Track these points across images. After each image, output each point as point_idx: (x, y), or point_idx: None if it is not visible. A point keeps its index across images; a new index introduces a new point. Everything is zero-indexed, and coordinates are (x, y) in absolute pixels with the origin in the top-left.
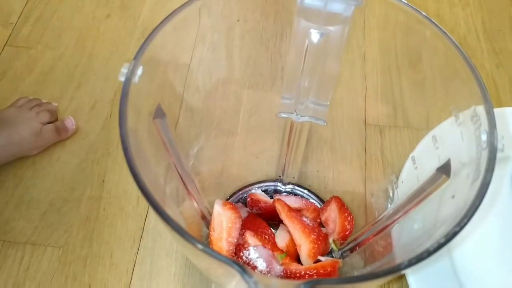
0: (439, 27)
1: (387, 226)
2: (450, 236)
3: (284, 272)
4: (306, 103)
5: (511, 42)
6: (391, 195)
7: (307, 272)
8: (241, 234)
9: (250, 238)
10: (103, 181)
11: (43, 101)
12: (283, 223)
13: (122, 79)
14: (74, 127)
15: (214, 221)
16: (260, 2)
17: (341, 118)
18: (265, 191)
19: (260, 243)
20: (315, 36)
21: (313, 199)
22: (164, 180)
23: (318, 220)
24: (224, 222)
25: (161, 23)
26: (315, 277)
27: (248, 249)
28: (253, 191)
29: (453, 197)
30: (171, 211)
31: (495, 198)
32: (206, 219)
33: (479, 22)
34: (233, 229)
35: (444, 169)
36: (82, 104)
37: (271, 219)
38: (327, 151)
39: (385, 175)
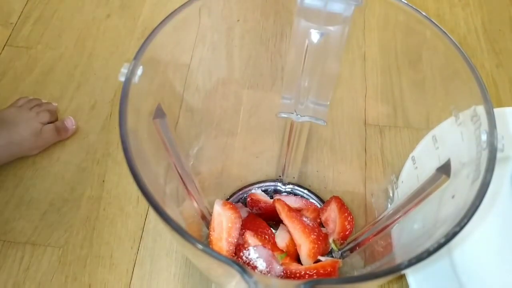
0: (439, 27)
1: (387, 226)
2: (450, 236)
3: (284, 272)
4: (306, 103)
5: (511, 42)
6: (391, 195)
7: (307, 272)
8: (241, 234)
9: (250, 238)
10: (103, 181)
11: (43, 101)
12: (283, 223)
13: (122, 79)
14: (74, 127)
15: (214, 221)
16: (260, 2)
17: (341, 118)
18: (265, 191)
19: (260, 243)
20: (315, 36)
21: (313, 199)
22: (164, 180)
23: (318, 220)
24: (224, 222)
25: (161, 23)
26: (315, 277)
27: (248, 249)
28: (253, 191)
29: (453, 197)
30: (171, 211)
31: (495, 198)
32: (206, 219)
33: (479, 22)
34: (233, 229)
35: (444, 169)
36: (82, 104)
37: (271, 219)
38: (327, 151)
39: (385, 175)
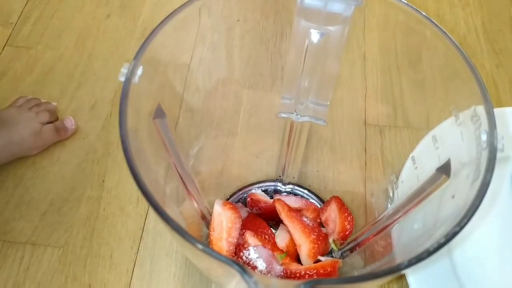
0: (439, 27)
1: (387, 226)
2: (450, 236)
3: (284, 272)
4: (306, 103)
5: (511, 42)
6: (391, 195)
7: (307, 272)
8: (241, 234)
9: (250, 238)
10: (103, 181)
11: (42, 100)
12: (283, 223)
13: (122, 79)
14: (73, 127)
15: (214, 221)
16: (260, 2)
17: (341, 118)
18: (265, 191)
19: (260, 243)
20: (315, 36)
21: (313, 199)
22: (164, 180)
23: (318, 220)
24: (224, 222)
25: (161, 23)
26: (315, 277)
27: (248, 249)
28: (253, 191)
29: (453, 197)
30: (171, 211)
31: (495, 198)
32: (206, 219)
33: (479, 22)
34: (233, 229)
35: (444, 169)
36: (82, 104)
37: (271, 219)
38: (327, 151)
39: (385, 175)
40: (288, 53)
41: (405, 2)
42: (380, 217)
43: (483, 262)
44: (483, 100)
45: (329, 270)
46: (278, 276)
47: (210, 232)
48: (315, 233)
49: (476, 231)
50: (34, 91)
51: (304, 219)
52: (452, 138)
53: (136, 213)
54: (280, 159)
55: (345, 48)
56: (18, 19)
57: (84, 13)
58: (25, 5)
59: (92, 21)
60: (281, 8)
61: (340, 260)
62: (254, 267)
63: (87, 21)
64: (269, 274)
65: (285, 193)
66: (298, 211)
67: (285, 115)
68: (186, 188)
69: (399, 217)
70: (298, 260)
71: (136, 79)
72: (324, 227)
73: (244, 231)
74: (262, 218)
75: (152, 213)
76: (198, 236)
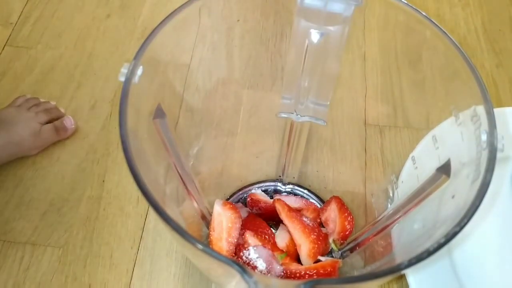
0: (439, 27)
1: (387, 226)
2: (450, 236)
3: (284, 272)
4: (306, 103)
5: (511, 42)
6: (391, 195)
7: (307, 272)
8: (241, 234)
9: (250, 238)
10: (103, 181)
11: (41, 100)
12: (283, 223)
13: (122, 79)
14: (73, 126)
15: (214, 221)
16: (260, 2)
17: (341, 118)
18: (265, 191)
19: (260, 243)
20: (315, 36)
21: (313, 199)
22: (164, 180)
23: (318, 220)
24: (224, 222)
25: (161, 23)
26: (315, 277)
27: (248, 249)
28: (253, 191)
29: (453, 197)
30: (171, 211)
31: (495, 198)
32: (206, 219)
33: (479, 22)
34: (233, 229)
35: (444, 169)
36: (82, 104)
37: (271, 219)
38: (327, 151)
39: (385, 175)
40: (288, 53)
41: (405, 2)
42: (380, 217)
43: (483, 262)
44: (483, 100)
45: (329, 270)
46: (278, 276)
47: (210, 232)
48: (315, 233)
49: (476, 231)
50: (34, 91)
51: (304, 219)
52: (452, 138)
53: (136, 213)
54: (280, 159)
55: (345, 48)
56: (18, 19)
57: (84, 13)
58: (25, 5)
59: (92, 21)
60: (281, 8)
61: (340, 260)
62: (254, 267)
63: (87, 21)
64: (269, 274)
65: (285, 193)
66: (298, 211)
67: (285, 115)
68: (186, 188)
69: (399, 217)
70: (298, 260)
71: (136, 79)
72: (324, 227)
73: (244, 231)
74: (262, 218)
75: (152, 213)
76: (198, 236)
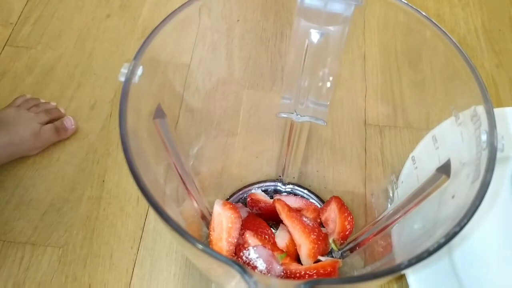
0: (439, 27)
1: (387, 226)
2: (450, 236)
3: (284, 272)
4: (306, 103)
5: (511, 42)
6: (391, 195)
7: (307, 272)
8: (241, 234)
9: (250, 238)
10: (103, 181)
11: (42, 100)
12: (283, 223)
13: (122, 79)
14: (73, 126)
15: (214, 221)
16: (260, 2)
17: (341, 118)
18: (265, 191)
19: (260, 243)
20: (315, 36)
21: (313, 199)
22: (164, 180)
23: (318, 220)
24: (224, 222)
25: (161, 23)
26: (315, 277)
27: (248, 249)
28: (253, 191)
29: (453, 197)
30: (171, 211)
31: (495, 198)
32: (206, 219)
33: (479, 22)
34: (233, 229)
35: (444, 169)
36: (82, 104)
37: (271, 219)
38: (327, 151)
39: (385, 175)
40: (288, 53)
41: (405, 2)
42: (380, 217)
43: (483, 262)
44: (483, 100)
45: (329, 270)
46: (278, 276)
47: (210, 232)
48: (315, 233)
49: (476, 231)
50: (34, 91)
51: (304, 219)
52: (452, 138)
53: (136, 213)
54: (280, 159)
55: (345, 48)
56: (18, 19)
57: (84, 13)
58: (25, 5)
59: (92, 21)
60: (281, 8)
61: (340, 260)
62: (254, 267)
63: (87, 21)
64: (269, 274)
65: (285, 193)
66: (298, 211)
67: (285, 115)
68: (186, 188)
69: (399, 217)
70: (298, 260)
71: (136, 79)
72: (324, 227)
73: (244, 231)
74: (262, 218)
75: (152, 213)
76: (198, 236)
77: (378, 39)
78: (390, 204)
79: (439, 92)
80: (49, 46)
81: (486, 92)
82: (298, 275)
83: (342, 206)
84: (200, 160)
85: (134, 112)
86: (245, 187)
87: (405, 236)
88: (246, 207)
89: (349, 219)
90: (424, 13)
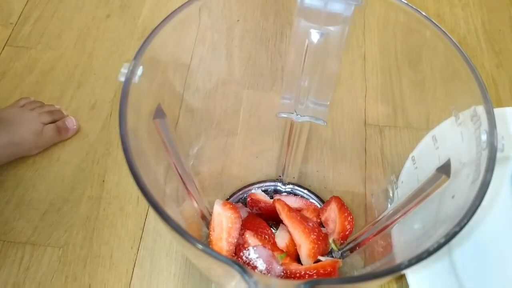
0: (439, 27)
1: (387, 226)
2: (450, 236)
3: (284, 272)
4: (306, 103)
5: (511, 42)
6: (391, 195)
7: (307, 272)
8: (241, 234)
9: (250, 238)
10: (103, 181)
11: (45, 104)
12: (283, 223)
13: (122, 79)
14: (75, 127)
15: (214, 221)
16: (260, 2)
17: (341, 118)
18: (265, 191)
19: (260, 243)
20: (315, 36)
21: (313, 199)
22: (164, 180)
23: (318, 220)
24: (224, 222)
25: (161, 23)
26: (315, 277)
27: (248, 249)
28: (253, 191)
29: (453, 197)
30: (171, 211)
31: (495, 198)
32: (206, 219)
33: (479, 22)
34: (233, 229)
35: (444, 169)
36: (82, 104)
37: (271, 219)
38: (327, 151)
39: (385, 175)
40: (288, 53)
41: (405, 2)
42: (380, 217)
43: (483, 262)
44: (483, 100)
45: (329, 270)
46: (278, 276)
47: (210, 232)
48: (315, 233)
49: (476, 231)
50: (34, 91)
51: (304, 219)
52: (452, 138)
53: (136, 213)
54: (280, 159)
55: (345, 48)
56: (18, 19)
57: (84, 13)
58: (25, 5)
59: (92, 21)
60: (281, 8)
61: (340, 260)
62: (254, 267)
63: (87, 21)
64: (269, 274)
65: (285, 193)
66: (298, 211)
67: (285, 115)
68: (186, 188)
69: (399, 217)
70: (298, 260)
71: (136, 79)
72: (324, 227)
73: (244, 231)
74: (262, 218)
75: (152, 213)
76: (198, 236)
77: (378, 39)
78: (390, 204)
79: (439, 92)
80: (49, 46)
81: (486, 92)
82: (298, 275)
83: (342, 206)
84: (200, 160)
85: (134, 112)
86: (245, 187)
87: (405, 236)
88: (246, 207)
89: (349, 219)
90: (424, 13)
